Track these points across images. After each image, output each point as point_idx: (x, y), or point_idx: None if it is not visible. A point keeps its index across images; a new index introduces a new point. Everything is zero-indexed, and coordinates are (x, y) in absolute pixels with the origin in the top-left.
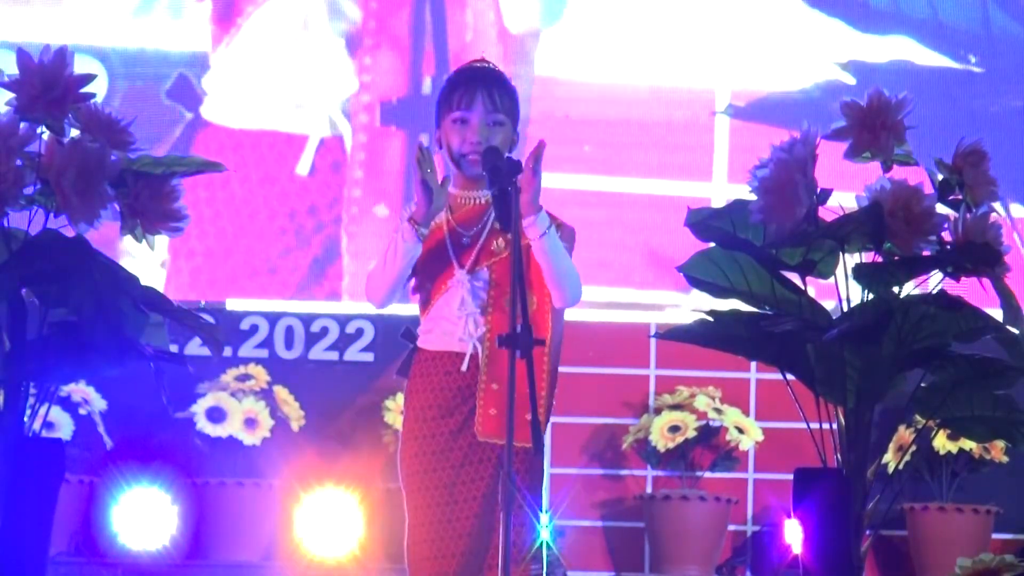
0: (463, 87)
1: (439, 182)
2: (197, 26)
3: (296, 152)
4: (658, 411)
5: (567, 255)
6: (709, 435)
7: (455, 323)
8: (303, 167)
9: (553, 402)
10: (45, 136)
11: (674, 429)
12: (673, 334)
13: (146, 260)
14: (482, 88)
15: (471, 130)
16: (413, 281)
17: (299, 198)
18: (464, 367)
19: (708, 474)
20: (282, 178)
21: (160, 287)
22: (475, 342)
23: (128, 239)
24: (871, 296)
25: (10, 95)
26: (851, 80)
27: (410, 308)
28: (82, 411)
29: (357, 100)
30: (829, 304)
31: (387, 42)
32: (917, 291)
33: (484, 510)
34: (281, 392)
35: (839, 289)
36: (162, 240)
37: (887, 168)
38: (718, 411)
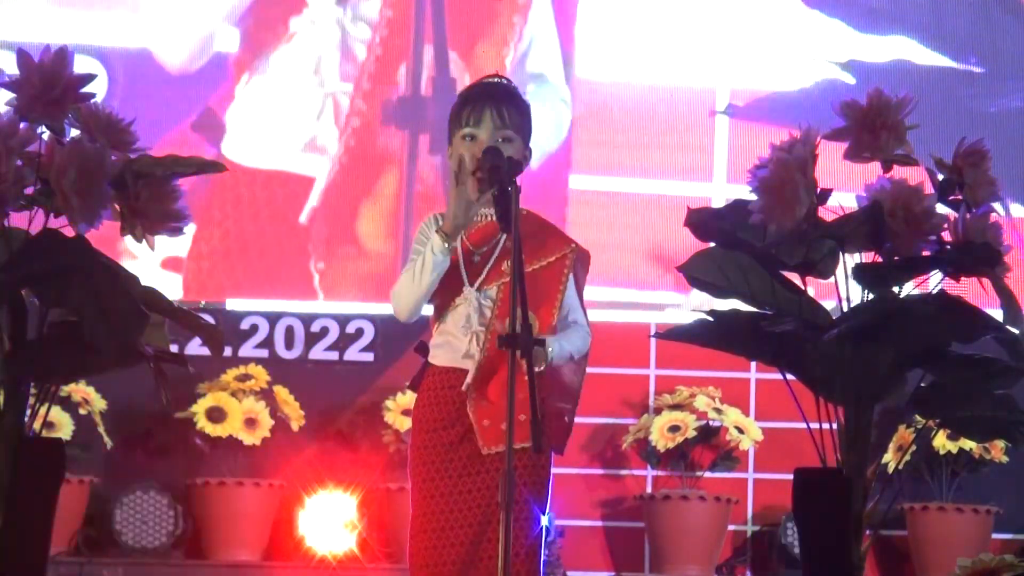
0: (472, 104)
1: (472, 196)
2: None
3: (305, 193)
4: (658, 411)
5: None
6: (709, 435)
7: (462, 340)
8: (304, 215)
9: (567, 406)
10: (45, 136)
11: (674, 429)
12: (673, 334)
13: (146, 260)
14: (491, 105)
15: (479, 147)
16: None
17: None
18: (464, 387)
19: (708, 474)
20: (291, 219)
21: (172, 287)
22: (476, 360)
23: (128, 239)
24: (871, 296)
25: (10, 95)
26: (851, 80)
27: None
28: (82, 411)
29: (345, 142)
30: (829, 304)
31: (392, 46)
32: (917, 291)
33: (481, 520)
34: (281, 392)
35: (839, 289)
36: (169, 240)
37: (887, 168)
38: (718, 411)
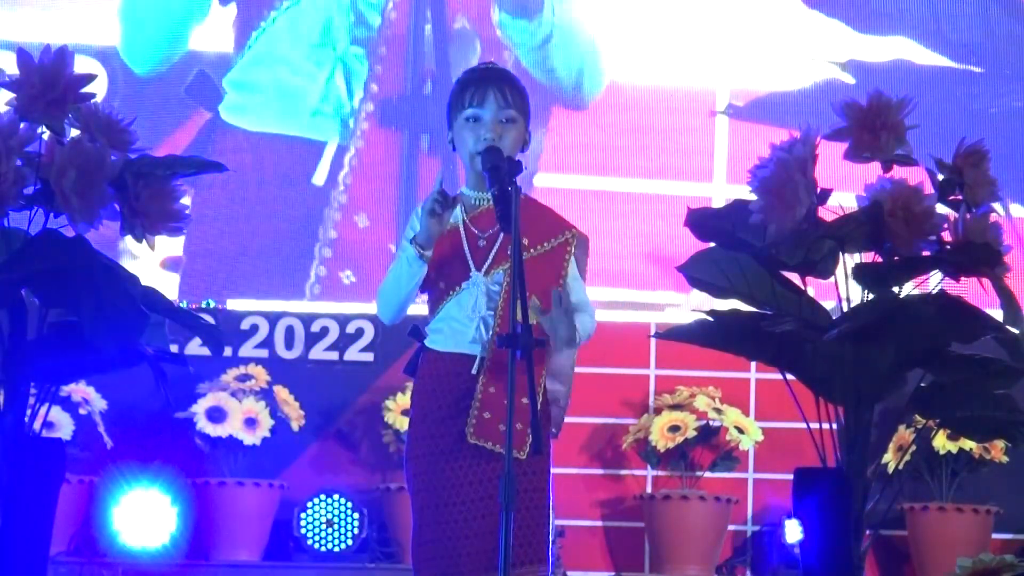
0: (474, 85)
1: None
2: (220, 28)
3: (313, 159)
4: (658, 411)
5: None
6: (709, 435)
7: (466, 324)
8: (319, 177)
9: (561, 388)
10: (45, 136)
11: (674, 429)
12: (673, 334)
13: (146, 260)
14: (493, 86)
15: (484, 127)
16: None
17: (314, 202)
18: (474, 370)
19: (708, 474)
20: (299, 183)
21: (172, 287)
22: (485, 344)
23: (128, 239)
24: (871, 296)
25: (10, 95)
26: (851, 80)
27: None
28: (82, 411)
29: (363, 107)
30: (829, 304)
31: (392, 44)
32: (917, 291)
33: (490, 511)
34: (281, 392)
35: (839, 289)
36: (169, 240)
37: (887, 168)
38: (718, 411)
